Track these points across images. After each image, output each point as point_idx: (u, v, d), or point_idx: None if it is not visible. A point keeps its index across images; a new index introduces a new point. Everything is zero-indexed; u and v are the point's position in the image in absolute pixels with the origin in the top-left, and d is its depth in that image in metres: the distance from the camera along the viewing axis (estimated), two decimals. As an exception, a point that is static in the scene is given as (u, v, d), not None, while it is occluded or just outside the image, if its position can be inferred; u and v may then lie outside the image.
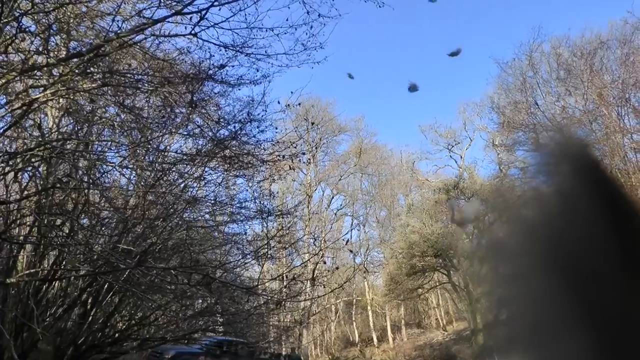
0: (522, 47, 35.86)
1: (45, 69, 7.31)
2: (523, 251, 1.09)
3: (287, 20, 9.57)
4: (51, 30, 7.80)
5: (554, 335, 0.97)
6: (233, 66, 10.05)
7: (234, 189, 14.64)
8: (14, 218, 9.61)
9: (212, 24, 8.38)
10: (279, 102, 12.04)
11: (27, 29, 6.99)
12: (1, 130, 7.47)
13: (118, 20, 7.50)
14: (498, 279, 1.23)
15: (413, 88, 12.93)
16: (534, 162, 1.21)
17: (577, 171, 1.03)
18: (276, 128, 12.84)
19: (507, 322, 1.14)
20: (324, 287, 16.33)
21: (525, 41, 37.94)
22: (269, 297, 13.61)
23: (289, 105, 11.85)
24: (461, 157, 45.80)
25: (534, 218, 1.13)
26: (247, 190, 14.97)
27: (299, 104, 12.70)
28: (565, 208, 1.03)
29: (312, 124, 39.48)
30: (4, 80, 6.67)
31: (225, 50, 9.45)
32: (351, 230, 52.37)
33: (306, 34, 9.82)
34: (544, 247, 1.03)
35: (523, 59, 34.05)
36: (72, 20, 7.87)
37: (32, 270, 9.91)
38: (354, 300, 51.95)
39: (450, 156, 46.59)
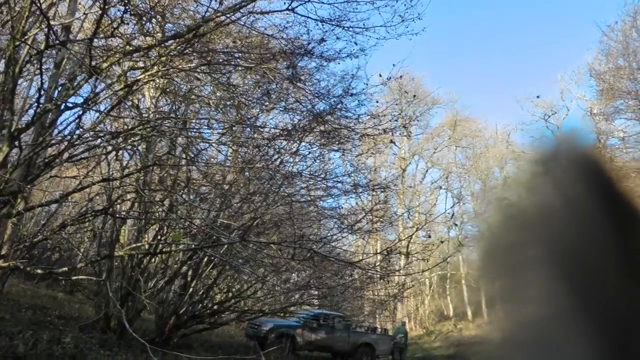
0: (626, 8, 32.54)
1: (143, 51, 7.36)
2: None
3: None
4: (148, 14, 7.82)
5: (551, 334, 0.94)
6: (329, 40, 9.82)
7: (331, 163, 14.52)
8: (117, 195, 9.90)
9: (309, -2, 8.14)
10: (380, 75, 11.68)
11: (131, 12, 7.01)
12: (105, 112, 7.57)
13: (214, 1, 7.41)
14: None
15: None
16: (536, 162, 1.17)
17: (579, 172, 1.03)
18: (377, 101, 12.59)
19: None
20: (426, 261, 15.96)
21: (630, 0, 34.65)
22: (374, 272, 13.50)
23: (390, 77, 11.46)
24: (558, 128, 43.58)
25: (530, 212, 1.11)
26: (340, 165, 14.82)
27: (401, 77, 12.28)
28: (565, 207, 1.01)
29: (414, 96, 38.61)
30: (107, 64, 6.75)
31: (323, 25, 9.25)
32: (453, 206, 51.36)
33: (404, 5, 9.45)
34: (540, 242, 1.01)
35: (627, 21, 31.08)
36: (167, 3, 7.89)
37: (138, 244, 10.23)
38: (448, 274, 51.22)
39: (547, 127, 44.39)
